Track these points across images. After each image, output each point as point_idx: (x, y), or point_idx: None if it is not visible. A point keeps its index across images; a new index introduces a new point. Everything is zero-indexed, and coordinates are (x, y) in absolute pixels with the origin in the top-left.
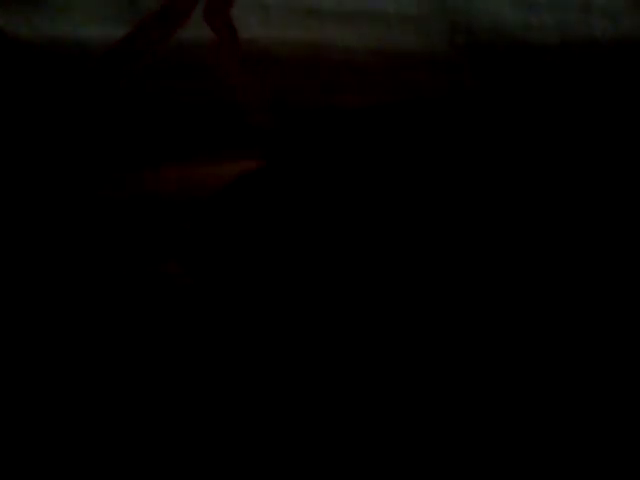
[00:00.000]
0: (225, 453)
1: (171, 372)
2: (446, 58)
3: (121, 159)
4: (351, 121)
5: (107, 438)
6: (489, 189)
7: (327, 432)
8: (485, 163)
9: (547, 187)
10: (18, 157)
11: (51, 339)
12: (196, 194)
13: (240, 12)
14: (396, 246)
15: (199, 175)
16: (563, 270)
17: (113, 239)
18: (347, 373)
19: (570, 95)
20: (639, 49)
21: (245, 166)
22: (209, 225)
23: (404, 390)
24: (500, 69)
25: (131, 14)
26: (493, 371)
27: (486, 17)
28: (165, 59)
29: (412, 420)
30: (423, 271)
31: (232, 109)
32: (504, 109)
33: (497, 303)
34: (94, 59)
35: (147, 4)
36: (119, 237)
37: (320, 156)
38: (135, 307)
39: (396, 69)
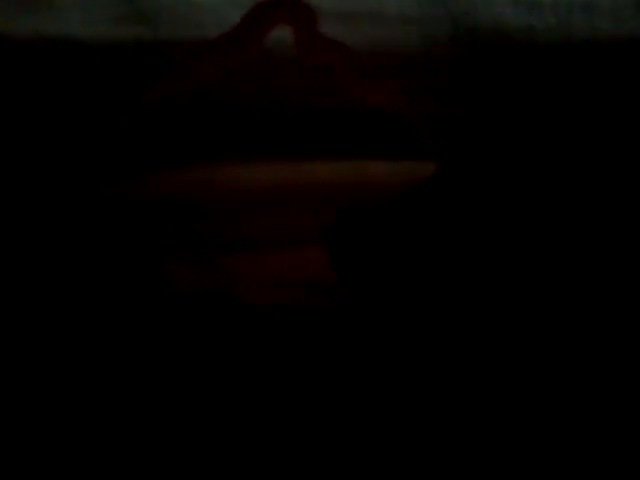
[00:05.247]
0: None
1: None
2: (448, 59)
3: (121, 161)
4: None
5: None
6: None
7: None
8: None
9: (547, 188)
10: (18, 158)
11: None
12: (197, 196)
13: (241, 13)
14: None
15: (199, 177)
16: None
17: (117, 240)
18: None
19: (573, 96)
20: None
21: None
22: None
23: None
24: (502, 70)
25: (131, 14)
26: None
27: (488, 18)
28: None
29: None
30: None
31: (232, 110)
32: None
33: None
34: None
35: (147, 4)
36: (123, 237)
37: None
38: (138, 308)
39: (396, 69)
